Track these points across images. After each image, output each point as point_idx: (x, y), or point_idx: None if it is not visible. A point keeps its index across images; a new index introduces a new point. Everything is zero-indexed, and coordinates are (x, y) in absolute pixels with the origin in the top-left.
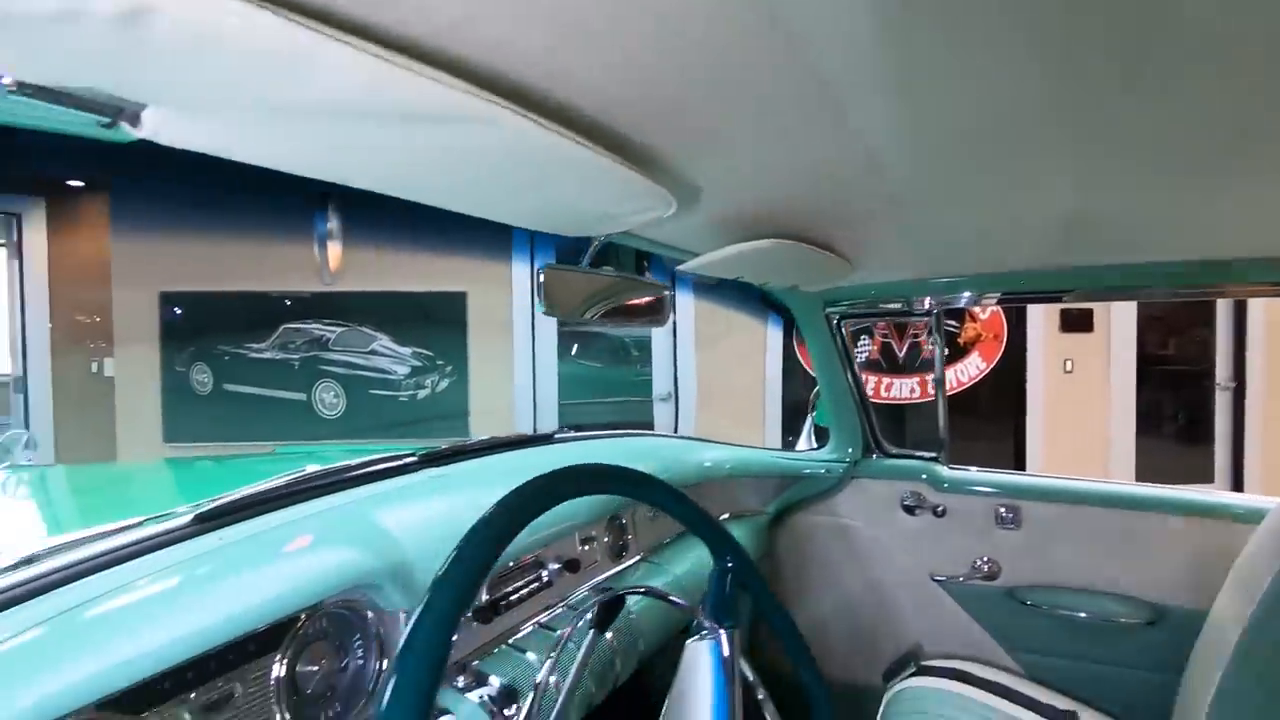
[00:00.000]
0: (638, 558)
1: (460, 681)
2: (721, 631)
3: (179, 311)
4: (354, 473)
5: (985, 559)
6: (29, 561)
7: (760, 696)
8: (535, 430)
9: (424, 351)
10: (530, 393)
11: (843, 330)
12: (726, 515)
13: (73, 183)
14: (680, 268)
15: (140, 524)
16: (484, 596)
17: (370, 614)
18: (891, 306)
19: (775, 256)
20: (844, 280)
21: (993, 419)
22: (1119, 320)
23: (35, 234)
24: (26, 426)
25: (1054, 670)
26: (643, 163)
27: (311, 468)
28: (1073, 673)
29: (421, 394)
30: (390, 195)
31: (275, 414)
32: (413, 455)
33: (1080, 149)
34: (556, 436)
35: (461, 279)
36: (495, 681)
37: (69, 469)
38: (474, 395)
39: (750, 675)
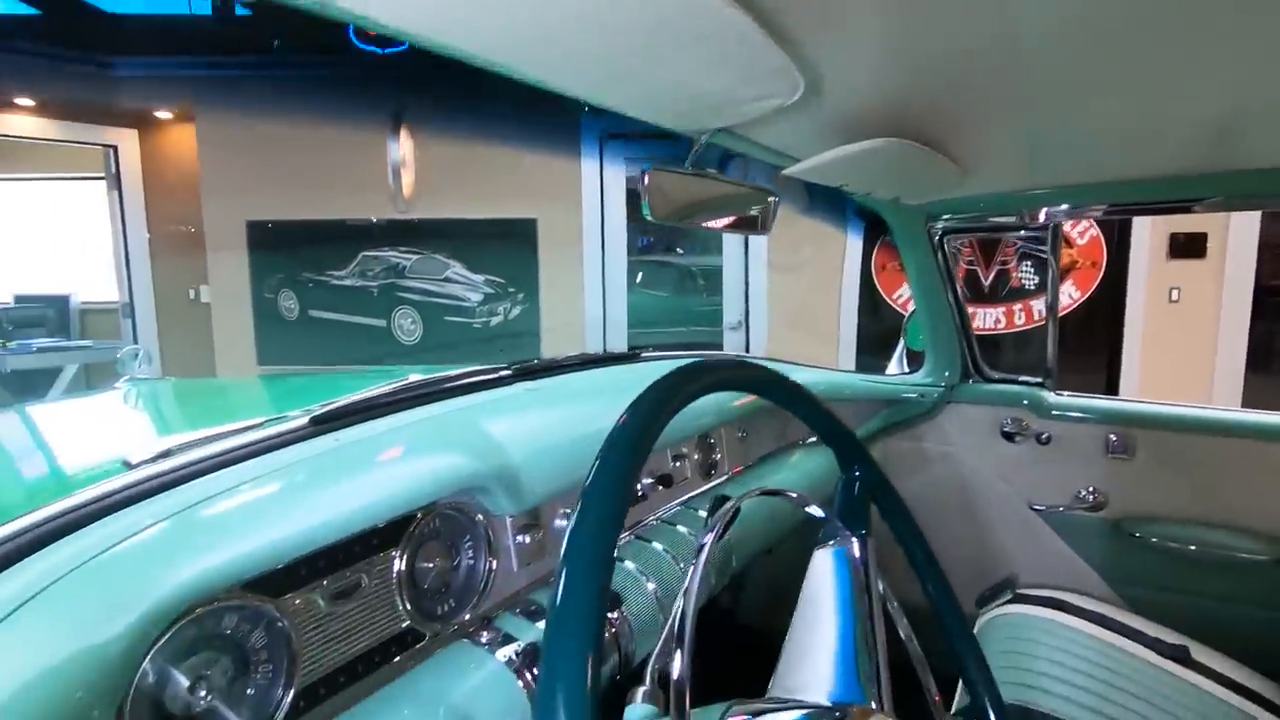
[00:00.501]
0: (725, 477)
1: None
2: (854, 539)
3: (265, 240)
4: (453, 383)
5: (1091, 489)
6: (165, 455)
7: (893, 607)
8: None
9: (495, 279)
10: (600, 320)
11: (945, 246)
12: (814, 439)
13: (161, 114)
14: (785, 172)
15: (259, 425)
16: None
17: (479, 517)
18: (1000, 221)
19: (885, 161)
20: (953, 191)
21: (1085, 352)
22: (1237, 246)
23: (130, 166)
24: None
25: (1161, 605)
26: (776, 34)
27: (414, 377)
28: (1183, 609)
29: (494, 320)
30: (498, 70)
31: (358, 339)
32: (507, 369)
33: (1255, 32)
34: (642, 355)
35: (531, 205)
36: None
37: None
38: (545, 322)
39: (882, 586)
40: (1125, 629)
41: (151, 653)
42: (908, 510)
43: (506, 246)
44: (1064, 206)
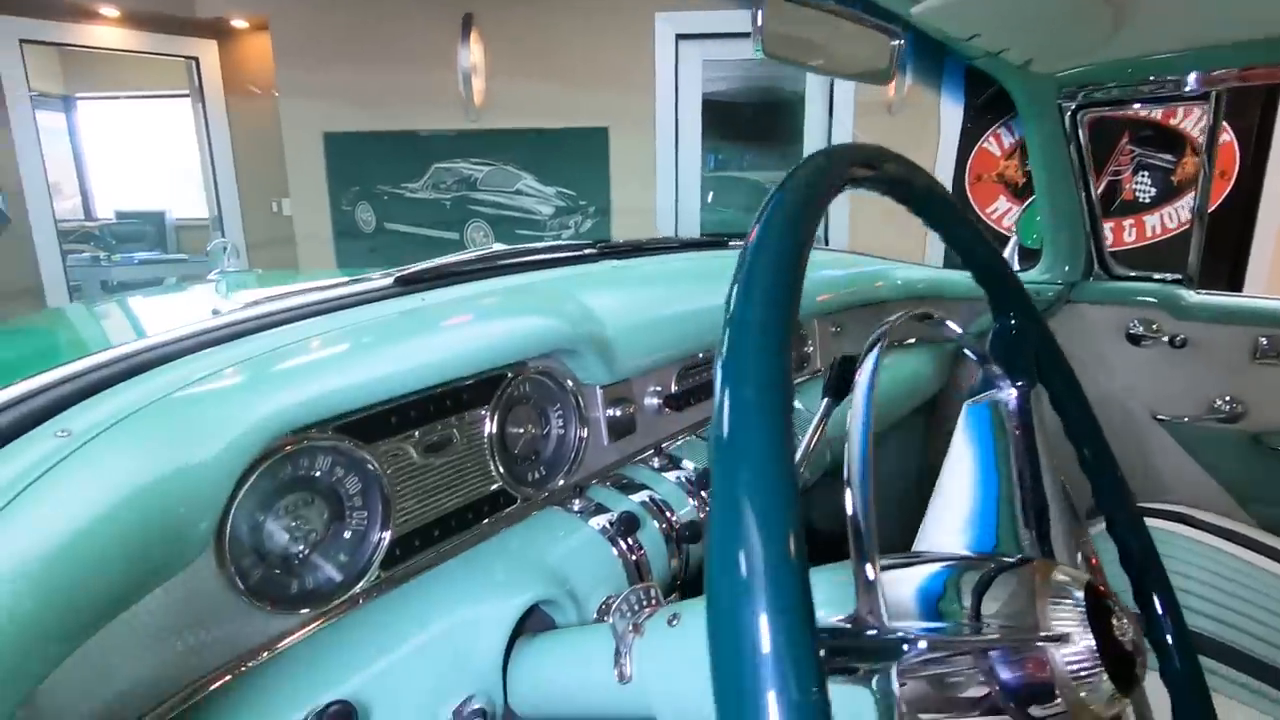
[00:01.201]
0: (820, 369)
1: (655, 463)
2: (1013, 389)
3: (341, 152)
4: (539, 255)
5: (1228, 398)
6: (251, 305)
7: (1044, 464)
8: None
9: (567, 191)
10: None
11: (1079, 124)
12: (912, 341)
13: (237, 23)
14: (915, 10)
15: (345, 283)
16: (673, 387)
17: (570, 384)
18: (1146, 94)
19: (1030, 6)
20: (1098, 53)
21: (1201, 276)
22: None
23: (212, 78)
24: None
25: None
26: None
27: (497, 246)
28: None
29: (565, 234)
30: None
31: (432, 252)
32: (592, 246)
33: None
34: (730, 243)
35: (603, 114)
36: (689, 464)
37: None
38: (616, 236)
39: (1040, 441)
40: (1257, 545)
41: (247, 485)
42: (1067, 366)
43: (578, 158)
44: (1241, 67)
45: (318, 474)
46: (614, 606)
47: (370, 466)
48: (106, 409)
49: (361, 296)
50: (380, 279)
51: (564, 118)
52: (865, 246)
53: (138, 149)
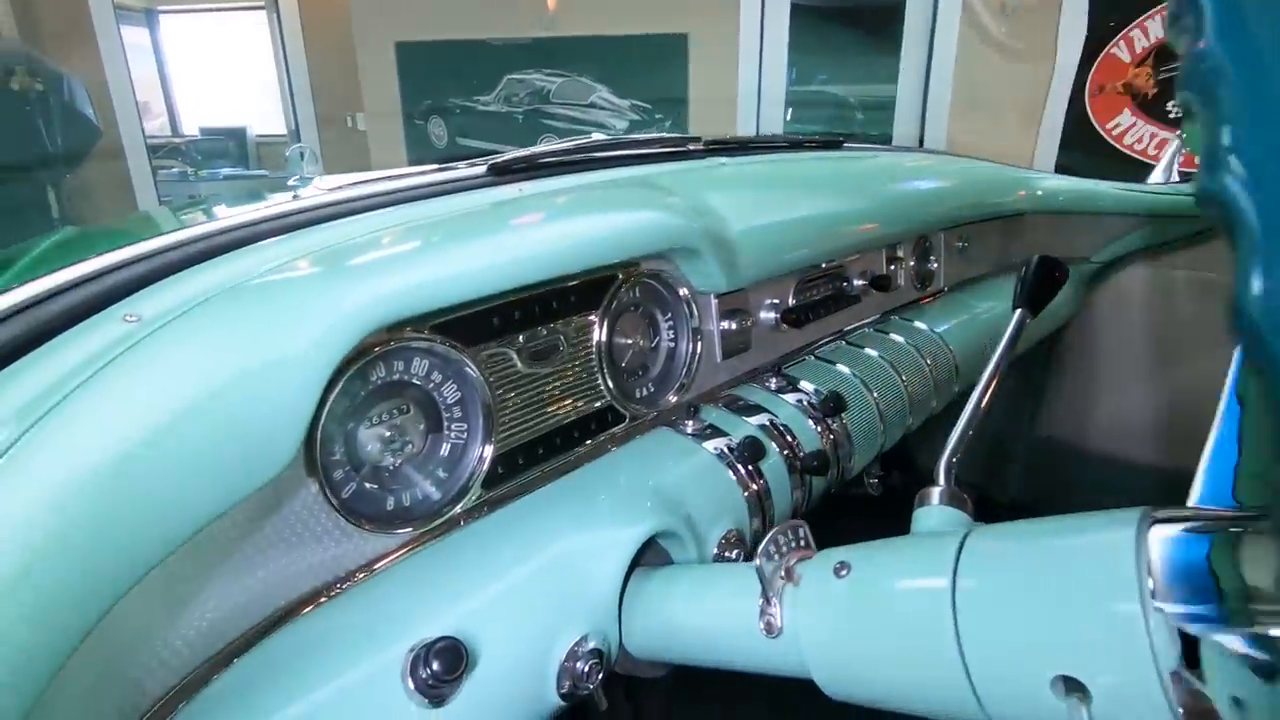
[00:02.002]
0: (943, 289)
1: (772, 383)
2: None
3: (413, 62)
4: (641, 149)
5: None
6: (335, 190)
7: None
8: None
9: (642, 104)
10: None
11: None
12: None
13: None
14: None
15: (434, 170)
16: (791, 300)
17: (684, 291)
18: None
19: None
20: None
21: None
22: None
23: None
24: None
25: None
26: None
27: (596, 136)
28: None
29: None
30: None
31: None
32: (697, 140)
33: None
34: (845, 144)
35: (682, 18)
36: (809, 387)
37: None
38: None
39: None
40: None
41: (338, 387)
42: None
43: (655, 68)
44: None
45: (414, 379)
46: (761, 547)
47: (470, 372)
48: (179, 294)
49: (450, 185)
50: (471, 167)
51: (641, 23)
52: (965, 148)
53: (219, 64)
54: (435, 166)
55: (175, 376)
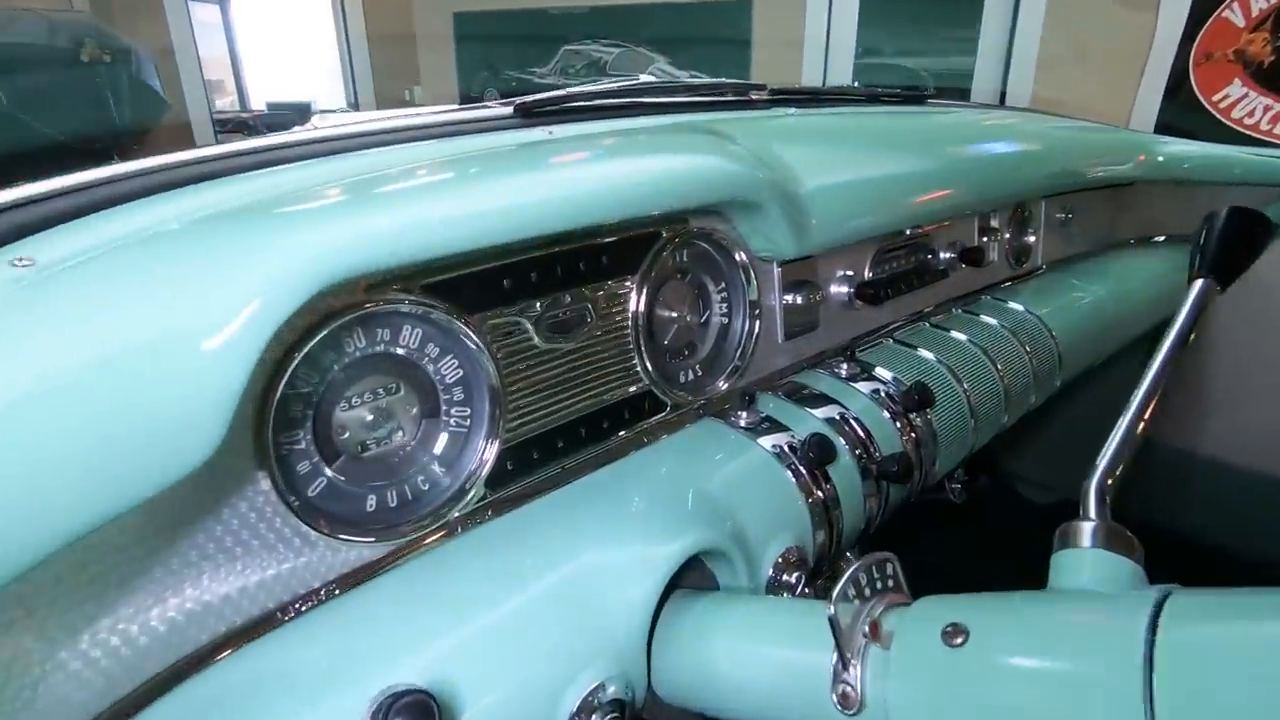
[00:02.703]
0: (1041, 267)
1: (843, 370)
2: None
3: (470, 33)
4: (695, 95)
5: None
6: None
7: None
8: None
9: (702, 76)
10: None
11: None
12: (1161, 238)
13: None
14: None
15: (451, 110)
16: (868, 273)
17: (741, 256)
18: None
19: None
20: None
21: None
22: None
23: None
24: None
25: None
26: None
27: (645, 78)
28: None
29: None
30: None
31: None
32: (762, 88)
33: None
34: (929, 100)
35: None
36: (886, 375)
37: None
38: None
39: None
40: None
41: (299, 355)
42: None
43: (717, 38)
44: None
45: (403, 351)
46: (839, 589)
47: (472, 345)
48: (94, 235)
49: (466, 126)
50: (497, 106)
51: None
52: (1051, 104)
53: (286, 42)
54: (456, 106)
55: (58, 339)
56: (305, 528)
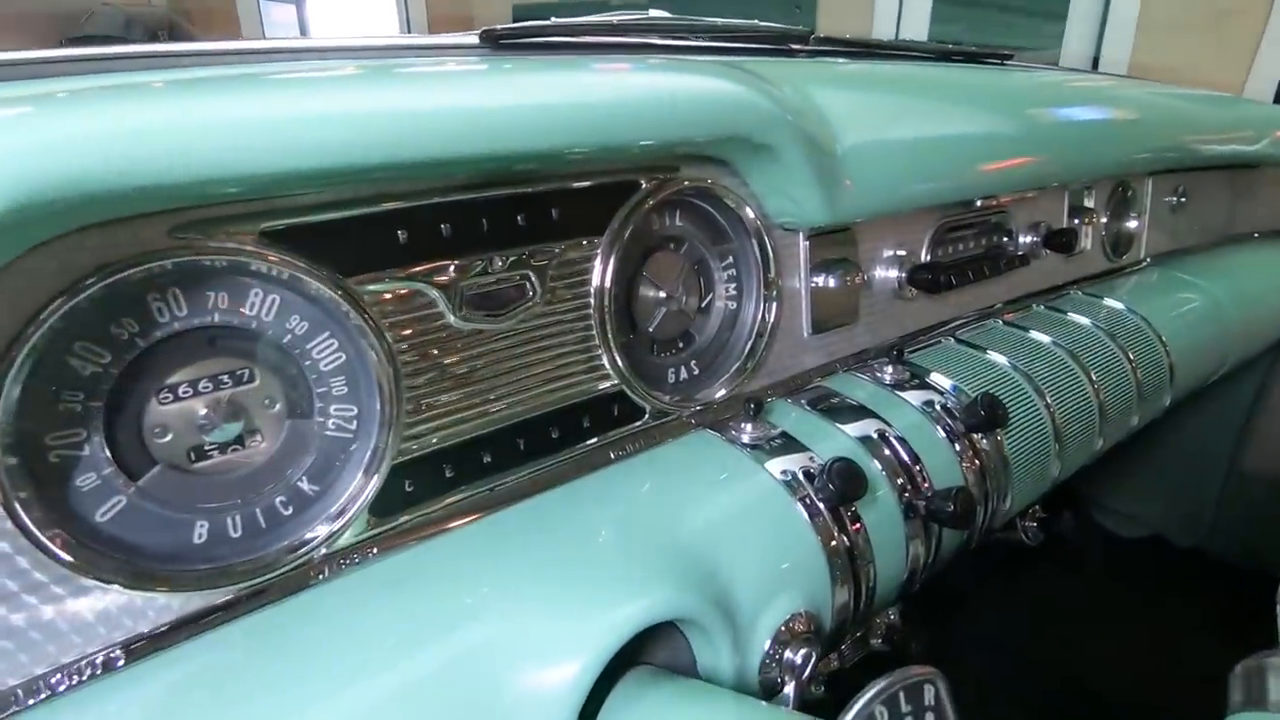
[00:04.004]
0: (1144, 260)
1: (887, 374)
2: None
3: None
4: (719, 39)
5: None
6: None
7: None
8: None
9: None
10: None
11: None
12: None
13: None
14: None
15: (421, 37)
16: (925, 255)
17: (750, 215)
18: None
19: None
20: None
21: None
22: None
23: None
24: None
25: None
26: None
27: (656, 12)
28: None
29: None
30: None
31: None
32: (805, 33)
33: None
34: (1009, 62)
35: None
36: (944, 383)
37: None
38: None
39: None
40: None
41: (52, 316)
42: None
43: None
44: None
45: (254, 325)
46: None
47: (353, 320)
48: None
49: (412, 51)
50: (463, 35)
51: None
52: (1152, 71)
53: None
54: (424, 35)
55: None
56: (66, 572)
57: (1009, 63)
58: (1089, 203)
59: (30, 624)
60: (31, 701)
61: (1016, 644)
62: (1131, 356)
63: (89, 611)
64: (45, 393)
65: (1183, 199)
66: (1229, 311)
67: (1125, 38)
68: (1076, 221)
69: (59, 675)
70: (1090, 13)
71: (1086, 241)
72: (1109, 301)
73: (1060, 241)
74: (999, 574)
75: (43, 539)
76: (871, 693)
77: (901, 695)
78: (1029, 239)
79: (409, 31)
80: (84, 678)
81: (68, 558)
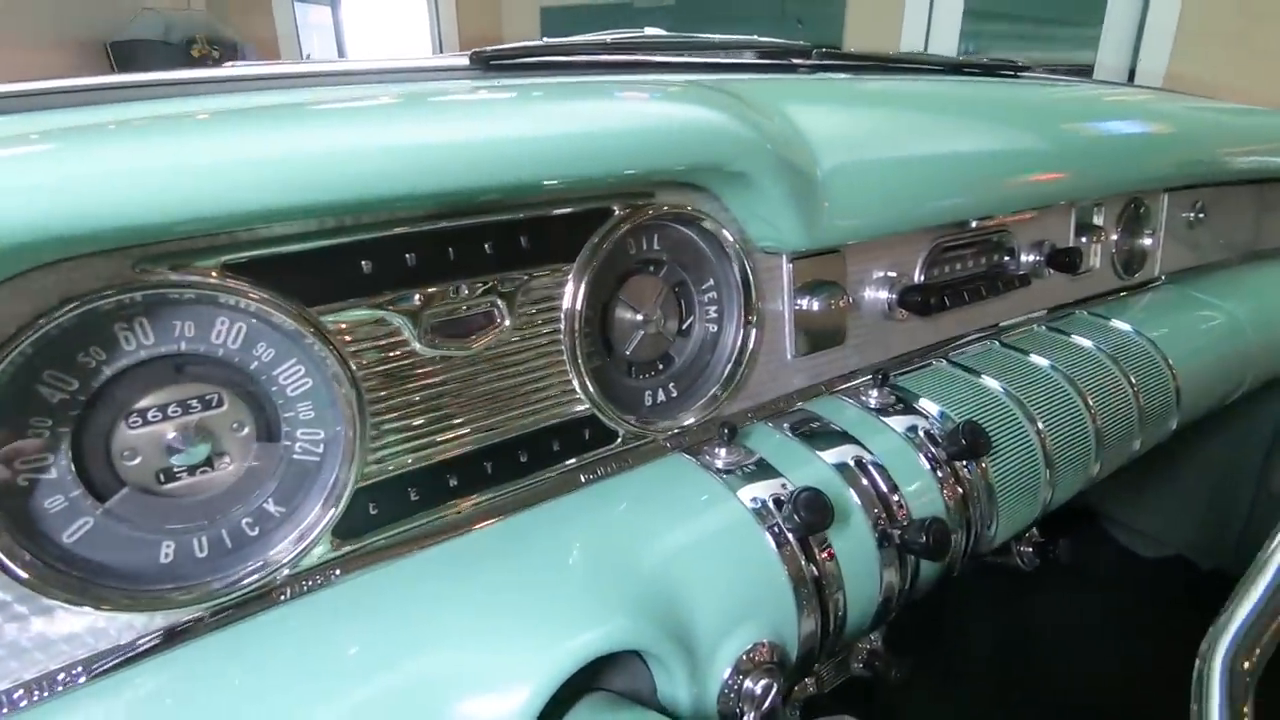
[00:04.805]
0: (1159, 279)
1: (872, 398)
2: None
3: (557, 28)
4: (716, 54)
5: None
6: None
7: None
8: None
9: None
10: None
11: None
12: None
13: None
14: None
15: (411, 58)
16: (918, 275)
17: (730, 243)
18: None
19: None
20: None
21: None
22: None
23: None
24: None
25: None
26: None
27: (653, 31)
28: None
29: None
30: None
31: None
32: (804, 54)
33: None
34: (1023, 73)
35: None
36: (931, 408)
37: None
38: None
39: None
40: None
41: (10, 351)
42: None
43: (806, 31)
44: None
45: (218, 351)
46: None
47: (317, 348)
48: None
49: (399, 75)
50: (453, 56)
51: None
52: (1193, 85)
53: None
54: (415, 57)
55: None
56: (28, 591)
57: (1025, 75)
58: (1098, 220)
59: None
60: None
61: (1024, 662)
62: (1134, 380)
63: (52, 630)
64: (14, 420)
65: (1201, 214)
66: (1247, 331)
67: (1162, 48)
68: (1084, 239)
69: (20, 691)
70: (1126, 21)
71: (1095, 260)
72: (1115, 323)
73: (1064, 261)
74: (1006, 592)
75: (5, 561)
76: None
77: None
78: (1031, 258)
79: (439, 29)
80: (45, 694)
81: (27, 577)
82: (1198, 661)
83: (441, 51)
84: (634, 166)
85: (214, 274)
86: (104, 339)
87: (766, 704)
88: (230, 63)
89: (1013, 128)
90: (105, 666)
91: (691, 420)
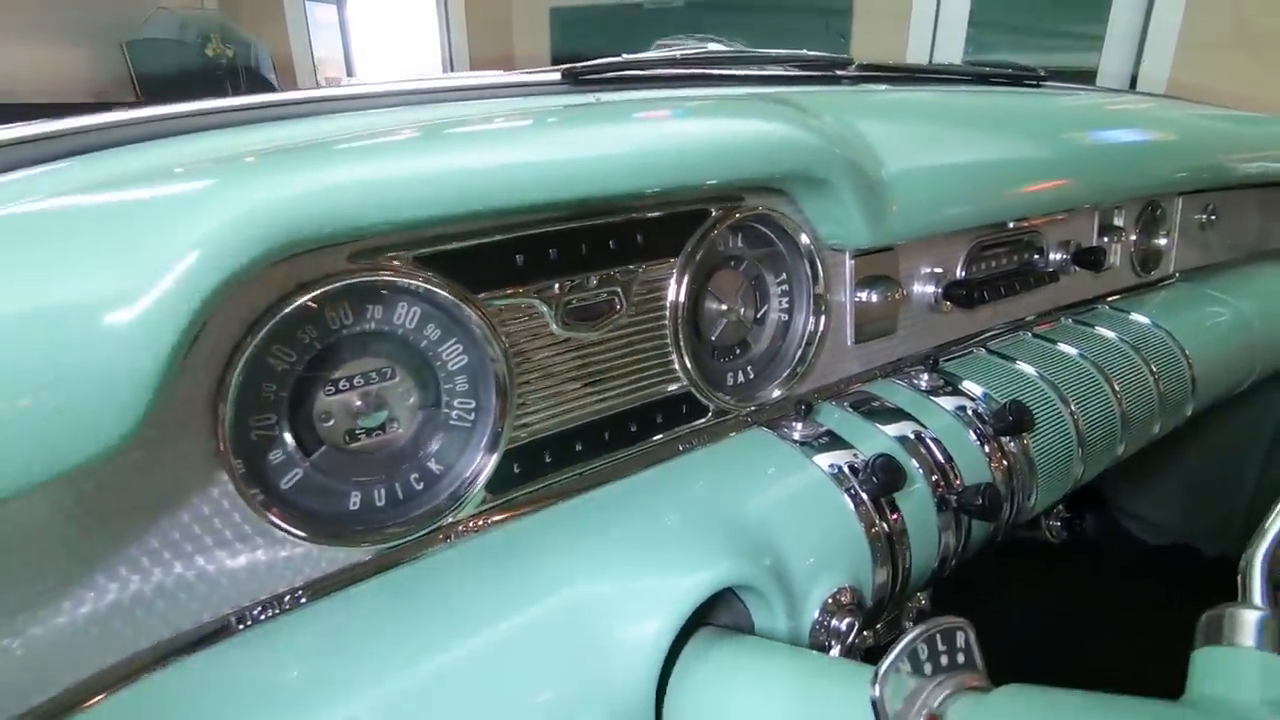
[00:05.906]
0: (1173, 276)
1: (923, 381)
2: None
3: (567, 28)
4: (770, 66)
5: None
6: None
7: None
8: None
9: None
10: None
11: None
12: None
13: None
14: None
15: (504, 73)
16: (959, 272)
17: (805, 240)
18: None
19: None
20: None
21: None
22: None
23: None
24: None
25: None
26: None
27: (715, 46)
28: None
29: None
30: None
31: None
32: (849, 62)
33: None
34: (1046, 83)
35: None
36: (976, 390)
37: None
38: None
39: None
40: None
41: (265, 328)
42: None
43: (814, 35)
44: None
45: (399, 331)
46: (887, 664)
47: (477, 329)
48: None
49: (504, 90)
50: (545, 72)
51: None
52: (1191, 90)
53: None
54: (504, 71)
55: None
56: (268, 525)
57: (1046, 84)
58: (1119, 221)
59: (236, 564)
60: (242, 626)
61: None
62: (1154, 369)
63: (279, 557)
64: (252, 384)
65: (1212, 217)
66: (1255, 325)
67: (1165, 56)
68: (1106, 239)
69: (259, 608)
70: (1128, 29)
71: (1115, 258)
72: (1135, 316)
73: (1089, 259)
74: (1024, 570)
75: (256, 497)
76: (913, 634)
77: (938, 638)
78: (1059, 256)
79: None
80: (275, 611)
81: (270, 519)
82: (1240, 563)
83: (451, 53)
84: (729, 176)
85: (407, 265)
86: (317, 319)
87: (850, 639)
88: (345, 79)
89: (1045, 137)
90: (320, 591)
91: (773, 396)
